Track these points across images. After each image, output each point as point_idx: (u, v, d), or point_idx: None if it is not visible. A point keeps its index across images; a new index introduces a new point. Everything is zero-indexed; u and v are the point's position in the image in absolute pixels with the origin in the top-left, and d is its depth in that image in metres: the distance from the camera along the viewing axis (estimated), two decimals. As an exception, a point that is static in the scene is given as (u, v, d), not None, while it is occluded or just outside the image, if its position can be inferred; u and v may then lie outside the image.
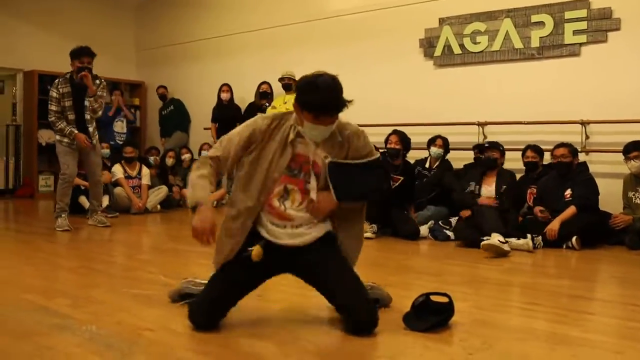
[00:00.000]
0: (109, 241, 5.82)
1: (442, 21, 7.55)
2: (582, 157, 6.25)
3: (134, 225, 6.91)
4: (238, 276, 2.86)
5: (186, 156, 9.28)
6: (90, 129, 6.37)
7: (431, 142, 6.81)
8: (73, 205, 7.21)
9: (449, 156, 6.91)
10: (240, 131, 2.82)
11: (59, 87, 6.24)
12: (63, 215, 6.26)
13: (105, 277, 4.04)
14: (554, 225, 5.37)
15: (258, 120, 2.82)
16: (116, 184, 7.83)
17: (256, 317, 3.00)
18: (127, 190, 7.78)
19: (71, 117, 6.24)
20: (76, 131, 6.19)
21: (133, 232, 6.51)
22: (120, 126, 9.95)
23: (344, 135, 2.81)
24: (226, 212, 2.91)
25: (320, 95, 2.62)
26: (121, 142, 9.40)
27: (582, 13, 6.54)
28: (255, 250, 2.77)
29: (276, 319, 3.03)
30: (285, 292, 3.60)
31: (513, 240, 5.21)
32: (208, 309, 2.79)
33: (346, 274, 2.83)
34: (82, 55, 6.22)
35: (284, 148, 2.76)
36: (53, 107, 6.23)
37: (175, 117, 10.36)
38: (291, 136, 2.75)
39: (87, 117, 6.32)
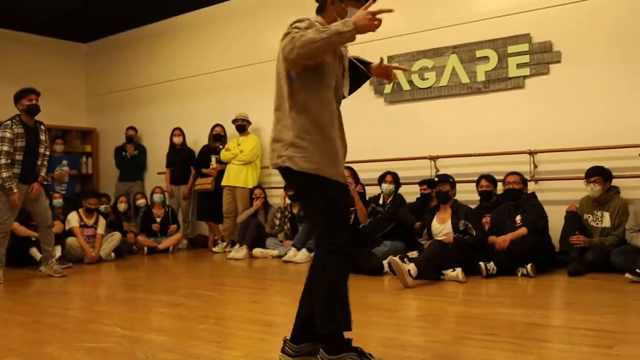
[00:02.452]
0: (62, 293, 5.68)
1: (390, 59, 7.70)
2: (531, 185, 6.41)
3: (88, 275, 6.76)
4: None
5: (141, 201, 9.18)
6: (42, 173, 6.31)
7: (381, 179, 6.92)
8: (24, 257, 7.06)
9: (403, 191, 7.00)
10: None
11: (13, 127, 6.13)
12: None
13: (58, 332, 3.93)
14: (506, 238, 5.69)
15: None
16: (69, 233, 7.67)
17: (214, 365, 2.96)
18: (80, 239, 7.61)
19: (19, 157, 6.13)
20: (15, 190, 6.05)
21: (87, 282, 6.37)
22: (56, 176, 9.65)
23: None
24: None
25: None
26: (63, 192, 9.21)
27: (524, 47, 6.76)
28: None
29: (235, 365, 3.00)
30: (245, 337, 3.58)
31: (448, 272, 5.37)
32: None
33: None
34: (29, 93, 6.20)
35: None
36: (5, 148, 6.05)
37: (139, 161, 10.26)
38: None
39: (39, 162, 6.28)
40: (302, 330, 2.91)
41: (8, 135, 6.08)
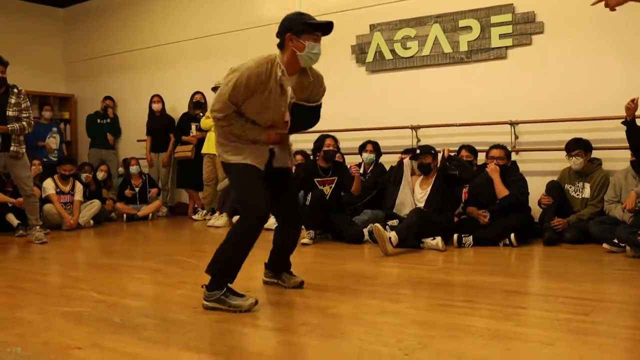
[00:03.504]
0: (40, 259, 5.61)
1: (372, 27, 7.63)
2: (512, 155, 6.40)
3: (65, 241, 6.69)
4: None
5: (104, 173, 9.02)
6: (14, 139, 6.17)
7: (362, 148, 6.89)
8: (0, 223, 6.98)
9: (384, 160, 6.98)
10: (239, 82, 3.27)
11: None
12: None
13: (33, 296, 3.88)
14: (494, 169, 5.73)
15: (252, 68, 3.28)
16: (46, 200, 7.57)
17: (191, 330, 2.94)
18: (57, 206, 7.52)
19: None
20: None
21: (65, 248, 6.30)
22: (53, 142, 9.58)
23: (314, 74, 3.51)
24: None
25: (310, 17, 3.38)
26: (55, 159, 9.07)
27: (507, 17, 6.72)
28: None
29: (214, 330, 2.97)
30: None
31: (428, 240, 5.38)
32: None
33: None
34: None
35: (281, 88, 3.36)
36: None
37: (113, 128, 10.12)
38: (279, 74, 3.31)
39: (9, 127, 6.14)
40: (273, 262, 3.90)
41: None
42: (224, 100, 3.31)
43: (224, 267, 3.33)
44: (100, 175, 8.86)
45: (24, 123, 6.24)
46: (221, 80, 8.59)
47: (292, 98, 3.45)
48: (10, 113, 6.17)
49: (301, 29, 3.32)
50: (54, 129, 9.69)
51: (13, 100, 6.22)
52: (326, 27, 3.38)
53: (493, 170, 5.72)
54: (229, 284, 3.30)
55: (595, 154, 5.94)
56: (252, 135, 3.39)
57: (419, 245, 5.42)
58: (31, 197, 6.39)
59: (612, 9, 3.10)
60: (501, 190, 5.66)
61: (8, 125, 6.10)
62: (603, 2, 3.12)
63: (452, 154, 6.13)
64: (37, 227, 6.43)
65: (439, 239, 5.34)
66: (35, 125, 8.67)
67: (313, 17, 3.39)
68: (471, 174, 5.91)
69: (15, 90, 6.26)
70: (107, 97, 10.12)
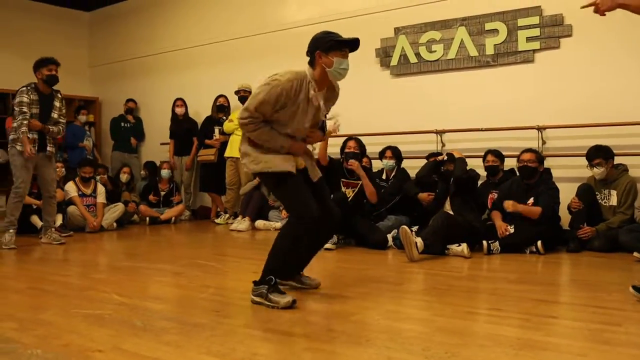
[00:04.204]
0: (62, 260, 5.62)
1: (397, 31, 7.56)
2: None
3: (89, 243, 6.71)
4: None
5: (127, 175, 9.04)
6: (49, 140, 6.32)
7: (381, 154, 6.81)
8: (24, 225, 7.01)
9: (408, 165, 6.89)
10: (269, 96, 3.43)
11: (29, 93, 6.15)
12: (12, 230, 6.15)
13: (55, 298, 3.87)
14: (518, 206, 5.52)
15: (283, 84, 3.43)
16: (70, 202, 7.61)
17: (213, 335, 2.89)
18: (80, 208, 7.56)
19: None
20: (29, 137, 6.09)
21: (88, 250, 6.31)
22: (88, 145, 9.63)
23: (337, 87, 3.74)
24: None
25: (337, 35, 3.57)
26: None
27: (535, 20, 6.61)
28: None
29: (236, 335, 2.92)
30: (244, 307, 3.51)
31: (453, 246, 5.29)
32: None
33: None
34: (49, 63, 6.24)
35: (309, 103, 3.55)
36: (24, 109, 6.07)
37: (137, 132, 10.17)
38: (311, 92, 3.51)
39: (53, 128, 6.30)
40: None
41: (25, 99, 6.11)
42: (251, 111, 3.47)
43: (275, 267, 3.52)
44: (124, 177, 8.88)
45: (60, 127, 6.41)
46: (245, 84, 8.68)
47: (324, 112, 3.70)
48: (54, 115, 6.34)
49: (329, 46, 3.50)
50: (88, 133, 9.83)
51: (58, 104, 6.39)
52: (353, 44, 3.58)
53: (511, 207, 5.57)
54: (276, 281, 3.48)
55: (622, 159, 5.81)
56: (279, 142, 3.55)
57: (443, 252, 5.33)
58: (53, 199, 6.49)
59: (602, 14, 3.15)
60: (531, 212, 5.53)
61: (50, 126, 6.24)
62: (593, 7, 3.17)
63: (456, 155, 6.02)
64: (53, 228, 6.53)
65: (464, 246, 5.25)
66: (72, 127, 8.90)
67: (339, 34, 3.59)
68: (463, 169, 5.79)
69: (59, 95, 6.46)
70: (130, 100, 10.17)
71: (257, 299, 3.45)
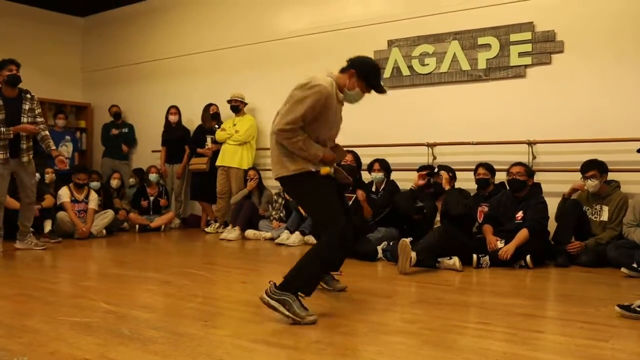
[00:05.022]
0: (50, 267, 5.60)
1: (390, 43, 7.60)
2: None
3: (78, 250, 6.68)
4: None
5: (132, 180, 9.05)
6: (24, 147, 6.19)
7: (370, 167, 6.83)
8: (11, 230, 6.97)
9: (399, 177, 6.91)
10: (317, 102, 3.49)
11: None
12: None
13: (43, 305, 3.84)
14: (510, 248, 5.41)
15: (326, 90, 3.51)
16: (60, 207, 7.58)
17: (200, 345, 2.88)
18: (71, 214, 7.53)
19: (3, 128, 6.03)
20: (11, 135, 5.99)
21: (76, 257, 6.28)
22: (65, 151, 9.62)
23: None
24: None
25: (380, 74, 3.75)
26: (65, 168, 9.06)
27: (527, 35, 6.66)
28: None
29: (224, 345, 2.91)
30: (233, 317, 3.51)
31: (444, 260, 5.28)
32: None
33: None
34: (9, 64, 6.11)
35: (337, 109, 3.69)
36: None
37: (127, 138, 10.14)
38: (340, 95, 3.66)
39: (22, 134, 6.15)
40: None
41: None
42: (296, 119, 3.46)
43: (305, 281, 3.43)
44: (114, 183, 8.84)
45: (47, 131, 6.30)
46: (237, 93, 8.67)
47: (341, 119, 3.80)
48: (25, 119, 6.18)
49: (364, 76, 3.64)
50: (67, 137, 9.74)
51: (27, 107, 6.22)
52: (379, 89, 3.69)
53: (504, 254, 5.45)
54: (301, 297, 3.40)
55: (614, 176, 5.85)
56: (313, 150, 3.54)
57: (434, 265, 5.33)
58: (32, 205, 6.43)
59: None
60: (522, 240, 5.45)
61: (39, 127, 6.14)
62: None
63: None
64: (30, 234, 6.47)
65: (455, 259, 5.26)
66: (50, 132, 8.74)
67: (382, 74, 3.72)
68: (458, 202, 5.80)
69: (29, 96, 6.26)
70: (113, 105, 10.18)
71: (275, 303, 3.31)
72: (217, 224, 8.47)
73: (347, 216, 3.63)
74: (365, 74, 3.65)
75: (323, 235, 3.51)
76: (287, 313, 3.28)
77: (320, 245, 3.52)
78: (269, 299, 3.32)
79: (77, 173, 7.82)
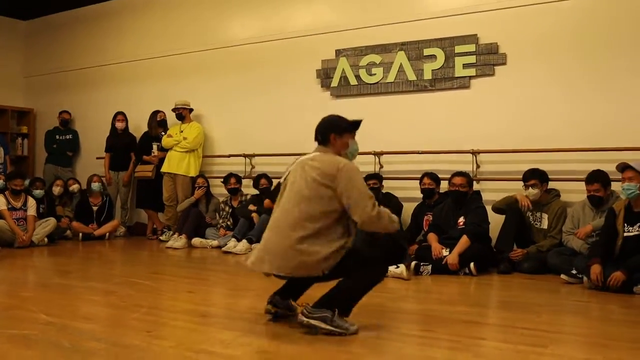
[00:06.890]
0: (-12, 278, 5.42)
1: (338, 52, 7.65)
2: (474, 185, 6.45)
3: (17, 259, 6.49)
4: None
5: (74, 187, 8.83)
6: None
7: None
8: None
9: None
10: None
11: None
12: None
13: (-21, 317, 3.73)
14: (454, 258, 5.50)
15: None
16: (-1, 216, 7.35)
17: (143, 356, 2.84)
18: (9, 222, 7.31)
19: None
20: None
21: (16, 267, 6.10)
22: None
23: None
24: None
25: (346, 118, 3.76)
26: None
27: (471, 47, 6.80)
28: None
29: (167, 356, 2.87)
30: (177, 327, 3.46)
31: (391, 268, 5.28)
32: None
33: None
34: None
35: None
36: None
37: (72, 146, 9.92)
38: None
39: None
40: (288, 290, 3.66)
41: None
42: (370, 193, 3.48)
43: (347, 302, 3.41)
44: (57, 190, 8.63)
45: None
46: (182, 101, 8.58)
47: None
48: None
49: (344, 129, 3.68)
50: None
51: None
52: (357, 124, 3.74)
53: (453, 265, 5.54)
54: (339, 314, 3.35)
55: (553, 185, 6.01)
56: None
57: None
58: None
59: None
60: (464, 247, 5.56)
61: None
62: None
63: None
64: None
65: (402, 267, 5.30)
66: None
67: (346, 118, 3.74)
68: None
69: None
70: (64, 111, 9.94)
71: (315, 322, 3.27)
72: (171, 232, 8.24)
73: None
74: (342, 127, 3.68)
75: (379, 264, 3.49)
76: (331, 328, 3.25)
77: (374, 272, 3.44)
78: (308, 319, 3.29)
79: (12, 179, 7.59)
